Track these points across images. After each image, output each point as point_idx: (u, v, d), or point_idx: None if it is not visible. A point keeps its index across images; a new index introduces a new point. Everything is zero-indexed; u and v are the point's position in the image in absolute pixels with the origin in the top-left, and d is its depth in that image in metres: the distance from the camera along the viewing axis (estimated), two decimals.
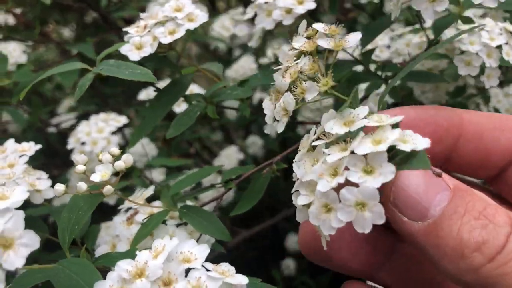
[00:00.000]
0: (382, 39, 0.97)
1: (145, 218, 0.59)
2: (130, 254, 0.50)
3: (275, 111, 0.50)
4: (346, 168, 0.40)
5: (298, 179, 0.45)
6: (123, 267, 0.40)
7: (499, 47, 0.68)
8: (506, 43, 0.68)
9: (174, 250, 0.41)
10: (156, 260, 0.40)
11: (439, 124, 0.44)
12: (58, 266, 0.45)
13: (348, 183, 0.40)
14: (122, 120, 0.95)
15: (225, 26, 1.09)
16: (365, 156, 0.40)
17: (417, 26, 0.90)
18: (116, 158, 0.55)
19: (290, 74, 0.49)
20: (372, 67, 0.83)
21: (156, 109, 0.65)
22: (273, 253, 1.77)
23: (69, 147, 0.97)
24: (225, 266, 0.43)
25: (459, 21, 0.69)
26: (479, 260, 0.37)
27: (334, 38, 0.50)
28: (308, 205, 0.43)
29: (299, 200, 0.43)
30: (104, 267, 0.52)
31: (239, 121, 1.39)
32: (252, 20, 1.14)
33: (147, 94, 1.08)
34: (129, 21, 1.27)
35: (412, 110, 0.45)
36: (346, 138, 0.42)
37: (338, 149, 0.41)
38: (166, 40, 0.63)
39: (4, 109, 1.14)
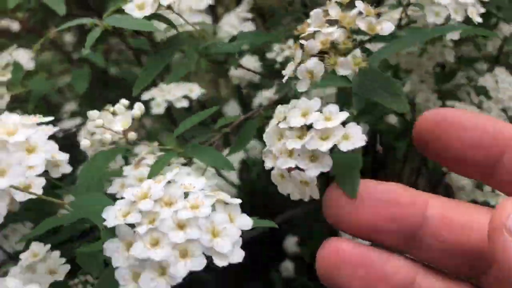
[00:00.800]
0: None
1: (152, 161, 0.64)
2: None
3: (299, 69, 0.52)
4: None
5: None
6: (130, 193, 0.45)
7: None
8: (473, 5, 0.74)
9: (175, 181, 0.46)
10: (159, 185, 0.45)
11: (486, 130, 0.41)
12: (76, 200, 0.51)
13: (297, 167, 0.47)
14: None
15: (233, 25, 1.14)
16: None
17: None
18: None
19: (321, 40, 0.51)
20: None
21: (156, 60, 0.71)
22: (272, 255, 1.80)
23: (79, 139, 1.02)
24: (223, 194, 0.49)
25: None
26: None
27: (369, 20, 0.52)
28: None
29: (266, 163, 0.50)
30: None
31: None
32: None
33: (150, 94, 1.13)
34: None
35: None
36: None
37: (296, 135, 0.48)
38: (166, 1, 0.67)
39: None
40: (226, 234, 0.44)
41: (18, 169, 0.46)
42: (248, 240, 1.26)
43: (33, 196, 0.50)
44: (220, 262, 0.43)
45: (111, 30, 0.71)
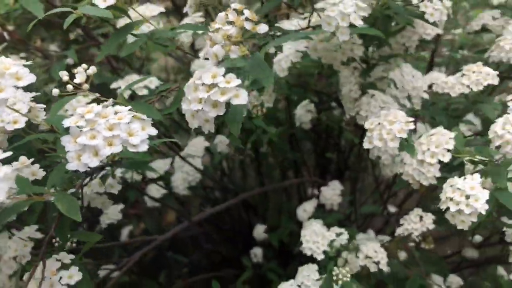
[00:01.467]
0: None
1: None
2: None
3: (208, 52, 0.80)
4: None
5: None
6: (80, 110, 0.69)
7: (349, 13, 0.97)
8: (355, 12, 0.98)
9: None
10: (99, 106, 0.70)
11: None
12: (50, 117, 0.79)
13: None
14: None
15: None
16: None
17: None
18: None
19: (222, 34, 0.79)
20: None
21: (116, 37, 0.95)
22: (243, 243, 1.94)
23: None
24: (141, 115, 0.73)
25: None
26: None
27: (252, 22, 0.80)
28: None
29: (183, 106, 0.77)
30: None
31: None
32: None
33: (117, 84, 1.37)
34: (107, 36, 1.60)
35: None
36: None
37: (205, 90, 0.74)
38: None
39: None
40: (138, 135, 0.68)
41: (11, 89, 0.70)
42: (223, 229, 1.47)
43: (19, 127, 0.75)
44: (131, 149, 0.66)
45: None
